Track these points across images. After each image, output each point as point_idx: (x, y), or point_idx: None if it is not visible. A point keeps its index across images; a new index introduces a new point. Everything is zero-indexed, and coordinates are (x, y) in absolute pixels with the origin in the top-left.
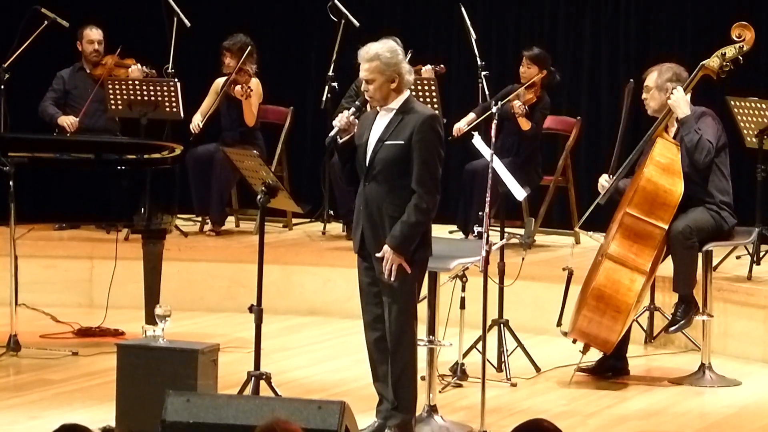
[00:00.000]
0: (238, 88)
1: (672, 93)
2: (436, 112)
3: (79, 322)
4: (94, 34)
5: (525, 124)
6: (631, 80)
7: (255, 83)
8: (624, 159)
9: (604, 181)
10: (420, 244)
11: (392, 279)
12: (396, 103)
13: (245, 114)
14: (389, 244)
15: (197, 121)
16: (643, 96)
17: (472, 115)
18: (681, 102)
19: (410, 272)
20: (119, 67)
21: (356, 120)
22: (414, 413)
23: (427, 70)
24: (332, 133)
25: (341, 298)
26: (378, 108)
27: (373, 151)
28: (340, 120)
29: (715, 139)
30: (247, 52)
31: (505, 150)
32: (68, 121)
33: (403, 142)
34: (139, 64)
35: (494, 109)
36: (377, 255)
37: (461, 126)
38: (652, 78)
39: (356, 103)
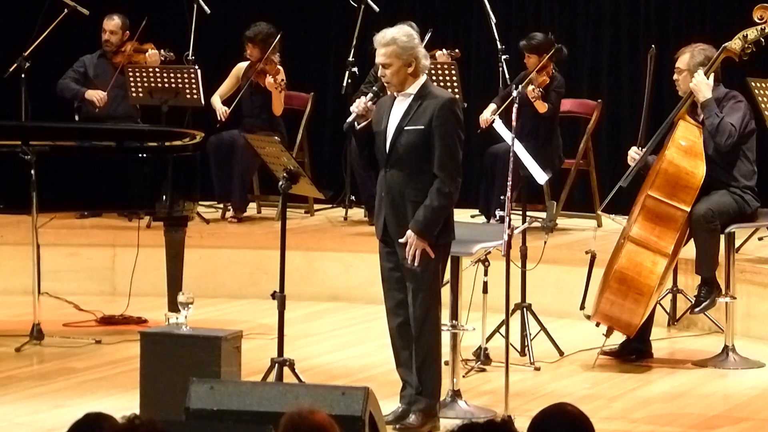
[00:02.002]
0: (270, 80)
1: (693, 77)
2: (455, 95)
3: (102, 310)
4: (106, 23)
5: (541, 107)
6: (653, 46)
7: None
8: (650, 128)
9: (634, 153)
10: (443, 228)
11: (416, 264)
12: (413, 88)
13: (274, 104)
14: (412, 229)
15: (224, 108)
16: (675, 77)
17: (493, 105)
18: (702, 86)
19: (434, 256)
20: (138, 53)
21: (374, 106)
22: (438, 398)
23: (442, 55)
24: (350, 119)
25: (364, 283)
26: (395, 93)
27: (392, 138)
28: (358, 106)
29: (740, 123)
30: (270, 42)
31: (524, 134)
32: (97, 96)
33: (422, 127)
34: (156, 49)
35: (515, 93)
36: (400, 241)
37: (487, 117)
38: (684, 60)
39: (373, 88)
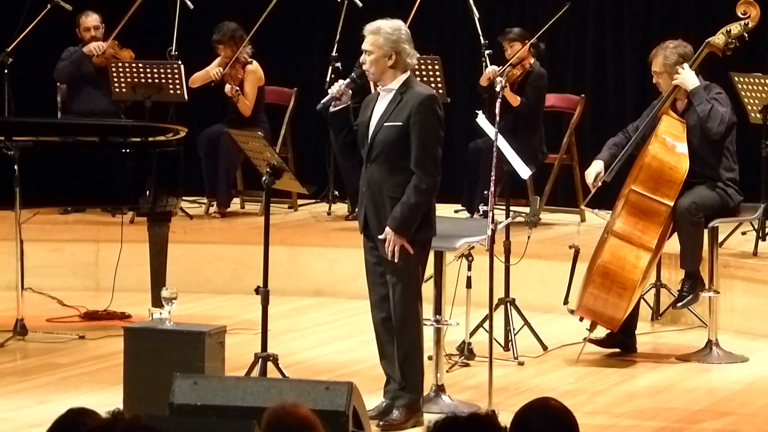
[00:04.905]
0: (228, 87)
1: (678, 72)
2: (436, 91)
3: (85, 305)
4: (89, 21)
5: (513, 100)
6: None
7: (252, 68)
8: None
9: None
10: (421, 224)
11: (395, 260)
12: (395, 84)
13: (240, 107)
14: (390, 226)
15: (215, 71)
16: (655, 80)
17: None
18: (689, 77)
19: (412, 253)
20: (115, 59)
21: (349, 90)
22: (421, 393)
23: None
24: (324, 100)
25: (348, 278)
26: (379, 88)
27: (373, 133)
28: (333, 88)
29: (728, 113)
30: (238, 38)
31: (506, 131)
32: (93, 45)
33: (401, 123)
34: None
35: (498, 88)
36: (380, 237)
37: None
38: (659, 63)
39: (352, 74)
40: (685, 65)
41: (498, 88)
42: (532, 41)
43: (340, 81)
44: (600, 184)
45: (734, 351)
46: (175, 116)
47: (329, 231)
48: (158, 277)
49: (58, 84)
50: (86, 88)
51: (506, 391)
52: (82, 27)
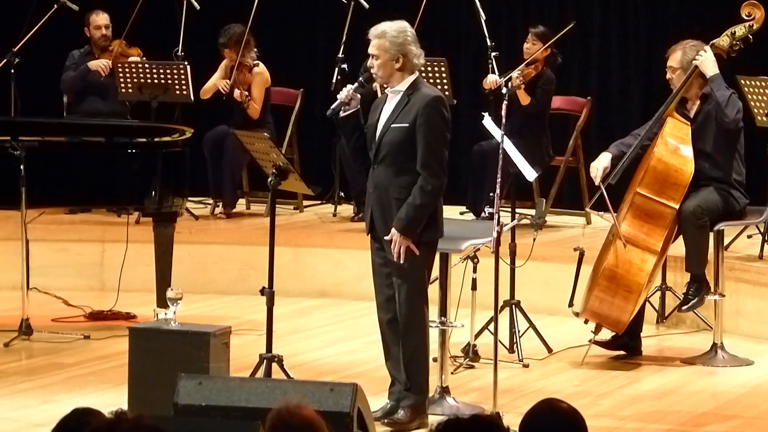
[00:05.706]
0: (237, 93)
1: (700, 53)
2: (443, 93)
3: (90, 305)
4: (100, 19)
5: (524, 98)
6: None
7: (259, 70)
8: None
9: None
10: (427, 225)
11: (402, 261)
12: (403, 85)
13: (249, 112)
14: (395, 227)
15: (223, 81)
16: (668, 76)
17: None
18: (710, 62)
19: (418, 254)
20: (124, 57)
21: (358, 94)
22: (426, 394)
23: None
24: (334, 106)
25: (353, 279)
26: (387, 90)
27: (380, 134)
28: (341, 93)
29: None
30: (245, 41)
31: (513, 133)
32: (101, 65)
33: (407, 125)
34: (142, 56)
35: (504, 90)
36: (386, 238)
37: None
38: (676, 58)
39: (360, 78)
40: (707, 47)
41: (504, 91)
42: (553, 49)
43: (348, 86)
44: (606, 182)
45: (739, 354)
46: (180, 117)
47: (334, 232)
48: (163, 278)
49: None
50: (92, 90)
51: (511, 393)
52: (93, 26)
